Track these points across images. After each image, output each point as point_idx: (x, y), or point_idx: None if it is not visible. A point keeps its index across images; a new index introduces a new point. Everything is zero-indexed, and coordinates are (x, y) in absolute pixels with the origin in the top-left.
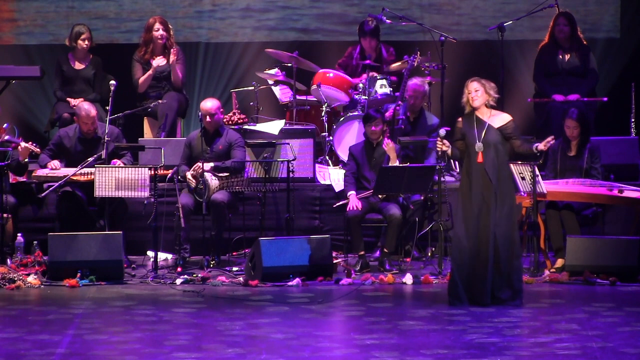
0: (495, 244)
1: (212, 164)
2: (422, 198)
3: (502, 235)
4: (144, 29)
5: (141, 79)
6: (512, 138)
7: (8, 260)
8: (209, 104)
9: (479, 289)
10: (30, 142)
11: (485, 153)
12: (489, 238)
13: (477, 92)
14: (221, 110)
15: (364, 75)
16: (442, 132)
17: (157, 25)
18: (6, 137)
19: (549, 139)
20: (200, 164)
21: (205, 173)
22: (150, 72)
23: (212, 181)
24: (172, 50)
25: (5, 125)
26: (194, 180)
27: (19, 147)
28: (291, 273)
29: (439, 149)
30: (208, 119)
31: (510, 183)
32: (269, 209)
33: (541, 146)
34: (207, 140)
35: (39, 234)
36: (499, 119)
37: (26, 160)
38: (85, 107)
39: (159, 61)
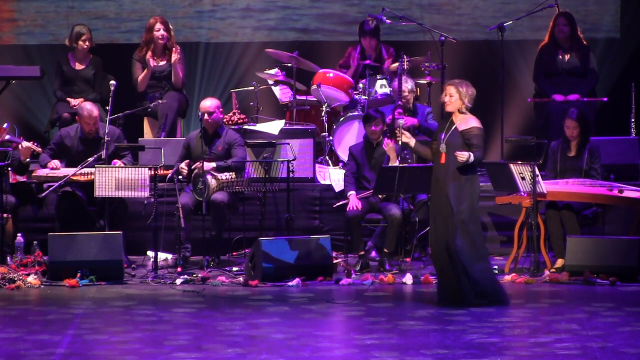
0: (455, 248)
1: (214, 164)
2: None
3: (460, 239)
4: (144, 29)
5: (140, 78)
6: (470, 145)
7: (8, 260)
8: (208, 102)
9: (455, 290)
10: (31, 142)
11: (448, 155)
12: (452, 240)
13: (452, 98)
14: (221, 110)
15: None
16: (402, 121)
17: (158, 26)
18: (7, 137)
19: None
20: (199, 164)
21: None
22: (146, 70)
23: (212, 181)
24: (173, 49)
25: (5, 125)
26: (186, 169)
27: (20, 146)
28: (291, 273)
29: (398, 139)
30: (206, 117)
31: (470, 188)
32: (269, 209)
33: None
34: (206, 142)
35: (39, 234)
36: (465, 124)
37: (27, 159)
38: (87, 107)
39: (157, 61)
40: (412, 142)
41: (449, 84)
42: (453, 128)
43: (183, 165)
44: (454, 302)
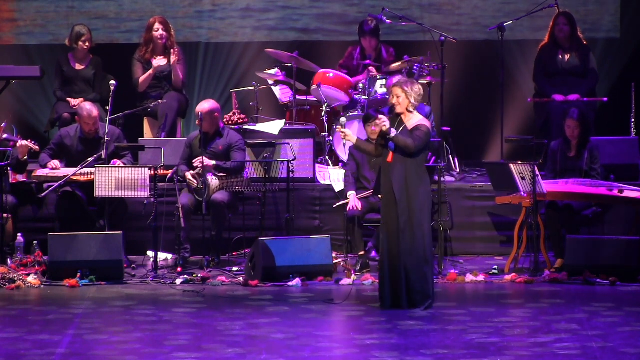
0: (401, 248)
1: (214, 162)
2: None
3: (405, 240)
4: (144, 28)
5: (141, 79)
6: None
7: (8, 260)
8: (203, 105)
9: (396, 290)
10: (29, 140)
11: (395, 154)
12: (398, 240)
13: (399, 99)
14: (215, 114)
15: (362, 76)
16: (343, 120)
17: (157, 25)
18: (4, 136)
19: None
20: (201, 158)
21: (206, 173)
22: (150, 71)
23: (213, 181)
24: (172, 50)
25: (3, 124)
26: (194, 181)
27: (17, 144)
28: (291, 273)
29: (341, 136)
30: (197, 121)
31: (418, 187)
32: (269, 209)
33: None
34: (206, 141)
35: (39, 234)
36: (414, 122)
37: (25, 157)
38: (87, 107)
39: (159, 61)
40: (353, 139)
41: (394, 85)
42: (402, 127)
43: (190, 177)
44: (393, 303)
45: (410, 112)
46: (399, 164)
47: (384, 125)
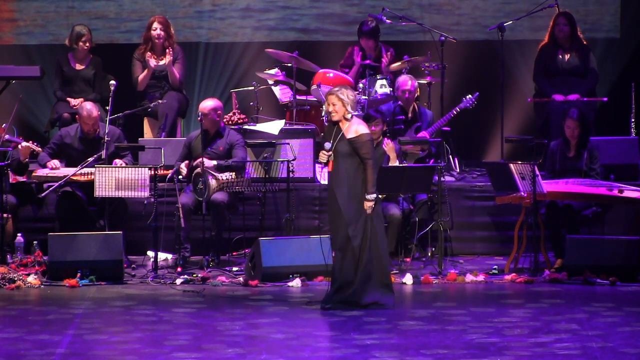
0: (348, 254)
1: (215, 162)
2: (426, 197)
3: (348, 251)
4: (145, 28)
5: (140, 77)
6: (359, 153)
7: (8, 260)
8: (205, 103)
9: (347, 292)
10: (31, 142)
11: (335, 162)
12: (343, 246)
13: (335, 107)
14: (218, 112)
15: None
16: (327, 145)
17: (156, 25)
18: (6, 137)
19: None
20: (201, 159)
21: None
22: (147, 70)
23: (212, 181)
24: (167, 50)
25: (4, 125)
26: (185, 170)
27: (20, 146)
28: (291, 273)
29: (322, 161)
30: (199, 118)
31: (358, 195)
32: (269, 209)
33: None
34: (207, 141)
35: (39, 234)
36: (353, 131)
37: (27, 160)
38: (87, 107)
39: (156, 61)
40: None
41: (329, 93)
42: (340, 135)
43: (183, 166)
44: (344, 302)
45: (347, 119)
46: (340, 172)
47: (369, 209)
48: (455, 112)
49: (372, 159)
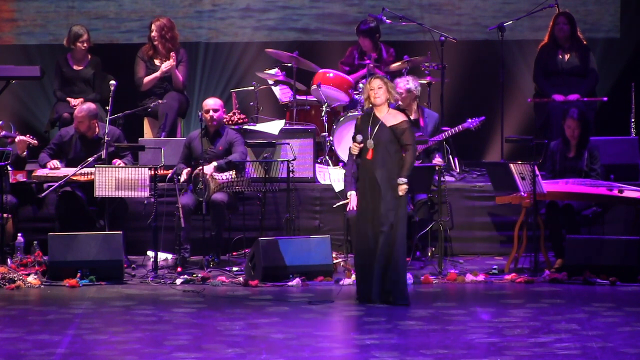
0: (379, 246)
1: (214, 164)
2: (426, 197)
3: (384, 237)
4: (145, 28)
5: (146, 79)
6: (401, 140)
7: (8, 260)
8: (212, 100)
9: (369, 286)
10: (27, 135)
11: (375, 151)
12: (377, 238)
13: (380, 90)
14: (224, 109)
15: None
16: (359, 137)
17: (152, 27)
18: (2, 133)
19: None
20: (201, 168)
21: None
22: (157, 74)
23: (212, 181)
24: (171, 54)
25: (0, 122)
26: (185, 176)
27: (16, 139)
28: (291, 273)
29: (353, 152)
30: (212, 113)
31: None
32: (269, 209)
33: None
34: (207, 141)
35: (39, 234)
36: (393, 119)
37: (25, 153)
38: (80, 106)
39: (166, 64)
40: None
41: (374, 77)
42: (379, 124)
43: (184, 173)
44: (364, 299)
45: (389, 105)
46: (380, 161)
47: (403, 191)
48: (457, 130)
49: (413, 144)
